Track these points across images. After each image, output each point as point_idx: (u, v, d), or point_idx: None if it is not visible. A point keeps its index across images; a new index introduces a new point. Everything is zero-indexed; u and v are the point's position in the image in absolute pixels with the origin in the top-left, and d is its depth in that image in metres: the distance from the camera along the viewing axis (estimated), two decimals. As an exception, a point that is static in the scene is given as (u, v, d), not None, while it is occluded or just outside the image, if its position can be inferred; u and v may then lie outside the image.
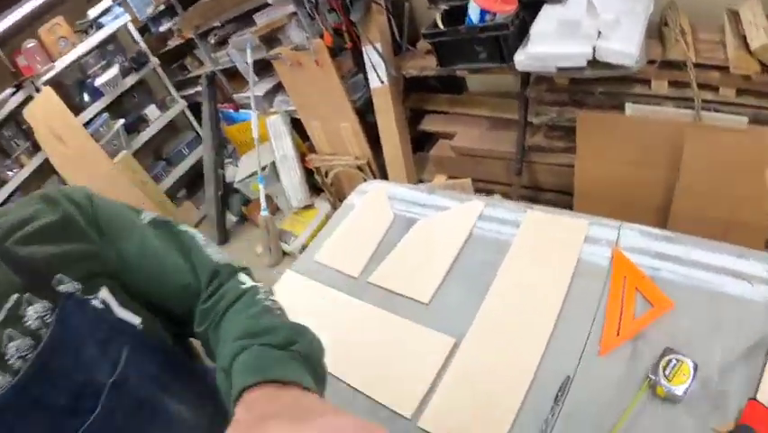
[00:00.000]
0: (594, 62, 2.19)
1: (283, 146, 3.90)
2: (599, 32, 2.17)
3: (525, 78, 2.67)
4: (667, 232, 1.64)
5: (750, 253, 1.49)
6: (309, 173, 3.98)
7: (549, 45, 2.28)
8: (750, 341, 1.28)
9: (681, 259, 1.53)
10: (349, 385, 1.56)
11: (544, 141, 2.81)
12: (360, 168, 3.70)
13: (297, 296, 1.88)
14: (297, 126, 3.90)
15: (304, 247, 3.71)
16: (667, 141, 2.26)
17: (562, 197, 2.94)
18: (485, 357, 1.51)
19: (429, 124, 3.54)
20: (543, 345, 1.45)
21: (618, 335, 1.36)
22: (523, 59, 2.36)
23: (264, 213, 3.83)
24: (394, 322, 1.70)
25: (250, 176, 3.98)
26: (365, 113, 3.53)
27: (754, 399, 1.11)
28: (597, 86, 2.43)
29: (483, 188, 3.20)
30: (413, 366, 1.57)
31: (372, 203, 2.18)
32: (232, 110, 4.33)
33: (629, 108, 2.38)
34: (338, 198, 4.06)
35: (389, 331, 1.69)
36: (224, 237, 4.39)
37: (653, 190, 2.44)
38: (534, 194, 3.06)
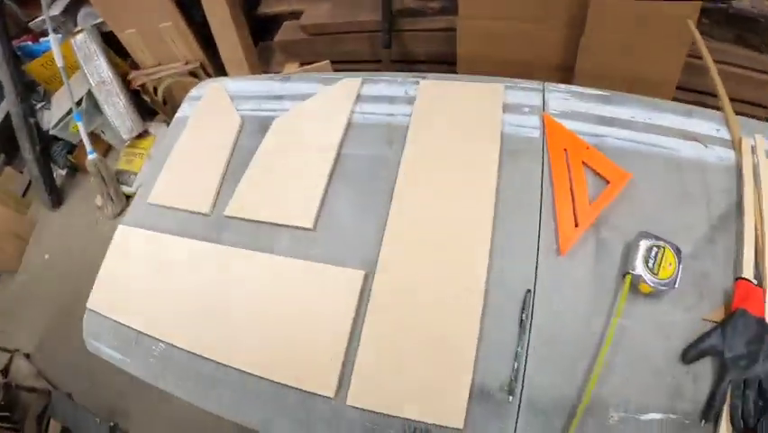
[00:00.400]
0: None
1: (97, 70, 3.20)
2: None
3: None
4: (600, 91, 1.43)
5: (695, 110, 1.33)
6: (137, 96, 3.36)
7: None
8: (719, 208, 1.14)
9: (625, 122, 1.34)
10: (239, 370, 1.24)
11: (414, 2, 2.48)
12: (193, 73, 3.14)
13: (138, 259, 1.53)
14: (111, 43, 3.28)
15: None
16: None
17: (441, 67, 2.62)
18: (412, 288, 1.21)
19: (268, 6, 3.04)
20: (485, 255, 1.20)
21: (577, 226, 1.16)
22: None
23: (91, 156, 3.18)
24: (275, 265, 1.38)
25: (65, 116, 3.30)
26: (189, 7, 2.95)
27: (742, 277, 0.98)
28: None
29: (345, 69, 2.73)
30: (318, 323, 1.24)
31: (210, 108, 1.82)
32: (30, 42, 3.59)
33: None
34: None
35: (272, 280, 1.36)
36: (56, 198, 3.64)
37: (552, 50, 2.20)
38: (408, 68, 2.67)
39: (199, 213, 1.52)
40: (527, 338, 1.04)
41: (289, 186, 1.46)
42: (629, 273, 1.03)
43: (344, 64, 2.76)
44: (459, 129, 1.41)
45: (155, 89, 3.25)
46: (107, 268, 1.52)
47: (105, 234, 3.14)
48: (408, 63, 2.70)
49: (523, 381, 1.01)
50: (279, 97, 1.72)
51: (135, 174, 3.29)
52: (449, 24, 2.39)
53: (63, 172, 3.68)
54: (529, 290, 1.10)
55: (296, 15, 2.89)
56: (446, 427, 1.01)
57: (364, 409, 1.07)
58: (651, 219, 1.13)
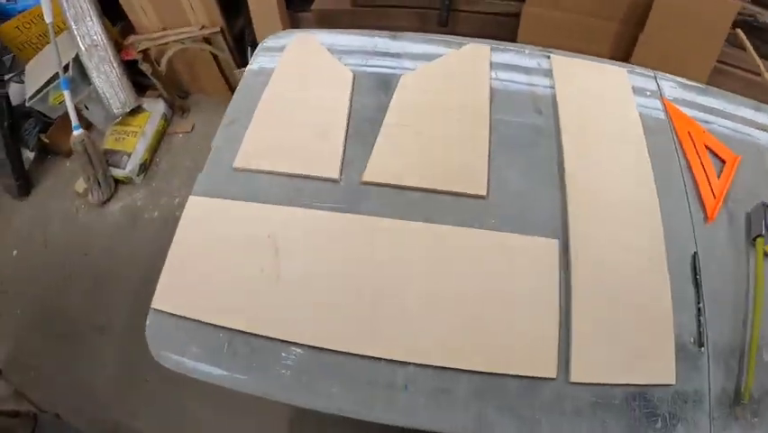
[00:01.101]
0: None
1: (89, 31, 2.79)
2: None
3: None
4: (700, 84, 1.62)
5: (762, 106, 1.58)
6: (129, 67, 2.98)
7: None
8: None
9: (720, 111, 1.54)
10: (427, 366, 1.11)
11: None
12: (208, 40, 2.83)
13: (228, 239, 1.30)
14: (106, 4, 2.87)
15: (143, 168, 2.96)
16: None
17: None
18: (604, 257, 1.22)
19: None
20: (659, 222, 1.28)
21: (715, 197, 1.34)
22: None
23: (77, 131, 2.76)
24: (445, 236, 1.25)
25: (45, 85, 2.83)
26: None
27: None
28: None
29: None
30: (517, 299, 1.16)
31: (304, 60, 1.68)
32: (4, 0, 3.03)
33: None
34: (177, 92, 3.22)
35: (444, 254, 1.23)
36: (24, 185, 3.09)
37: (607, 43, 2.36)
38: None
39: (322, 178, 1.35)
40: (701, 294, 1.17)
41: (446, 150, 1.38)
42: (760, 236, 1.22)
43: None
44: (601, 105, 1.50)
45: (157, 59, 2.93)
46: (179, 254, 1.27)
47: (91, 224, 2.95)
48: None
49: (706, 333, 1.13)
50: (396, 55, 1.67)
51: (128, 154, 2.91)
52: (506, 9, 2.46)
53: (32, 155, 3.18)
54: (696, 253, 1.23)
55: None
56: (663, 385, 1.08)
57: (588, 384, 1.07)
58: (763, 192, 1.32)
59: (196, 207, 1.33)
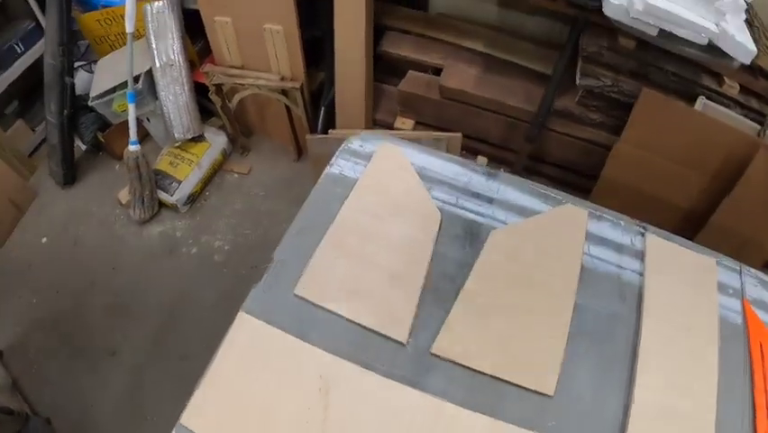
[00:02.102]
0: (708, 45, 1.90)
1: (167, 48, 2.78)
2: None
3: (578, 23, 2.24)
4: None
5: None
6: (199, 91, 2.97)
7: (673, 3, 1.89)
8: None
9: None
10: None
11: (576, 108, 2.42)
12: (285, 93, 2.81)
13: (271, 374, 1.26)
14: (191, 21, 2.87)
15: (191, 198, 2.97)
16: (728, 149, 2.15)
17: (566, 174, 2.70)
18: None
19: (392, 46, 2.76)
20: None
21: None
22: (625, 4, 1.92)
23: (134, 146, 2.79)
24: None
25: (112, 90, 2.84)
26: (308, 14, 2.64)
27: None
28: (669, 63, 2.17)
29: (468, 145, 2.65)
30: None
31: (390, 180, 1.65)
32: (89, -11, 2.99)
33: (701, 103, 2.18)
34: (241, 129, 3.20)
35: None
36: (70, 175, 3.11)
37: (690, 196, 2.34)
38: (534, 165, 2.70)
39: (388, 338, 1.31)
40: None
41: (523, 333, 1.35)
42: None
43: (468, 140, 2.63)
44: (684, 305, 1.45)
45: (227, 94, 2.93)
46: (219, 373, 1.25)
47: (126, 238, 3.01)
48: (536, 160, 2.68)
49: None
50: (489, 200, 1.63)
51: (178, 181, 2.91)
52: (597, 139, 2.46)
53: (84, 148, 3.21)
54: None
55: (421, 67, 2.72)
56: None
57: None
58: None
59: (245, 327, 1.30)
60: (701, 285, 1.50)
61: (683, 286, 1.48)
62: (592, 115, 2.40)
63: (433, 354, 1.29)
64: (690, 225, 2.33)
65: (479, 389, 1.24)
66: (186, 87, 2.86)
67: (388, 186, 1.60)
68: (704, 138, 2.13)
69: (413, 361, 1.28)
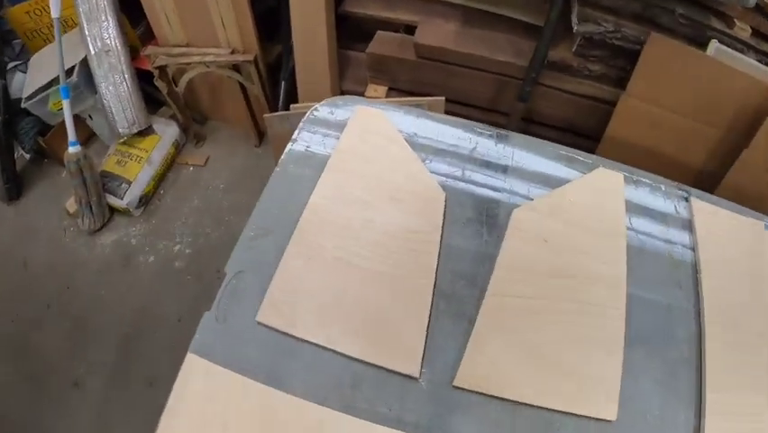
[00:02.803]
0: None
1: (102, 32, 2.49)
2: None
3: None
4: None
5: None
6: (144, 78, 2.70)
7: None
8: None
9: None
10: None
11: (573, 59, 2.17)
12: (238, 69, 2.54)
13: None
14: (126, 2, 2.59)
15: (143, 199, 2.70)
16: (744, 98, 1.94)
17: (564, 136, 2.42)
18: None
19: (356, 4, 2.46)
20: None
21: None
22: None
23: (73, 147, 2.49)
24: None
25: (46, 87, 2.56)
26: None
27: None
28: (676, 4, 1.95)
29: (451, 110, 2.35)
30: None
31: (375, 153, 1.34)
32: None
33: (713, 48, 1.96)
34: (193, 116, 2.93)
35: None
36: (14, 189, 2.82)
37: (703, 152, 2.14)
38: (527, 127, 2.43)
39: (393, 372, 1.02)
40: None
41: (569, 346, 1.09)
42: None
43: (452, 104, 2.37)
44: (744, 286, 1.23)
45: (174, 78, 2.63)
46: None
47: (78, 251, 2.67)
48: (531, 123, 2.43)
49: None
50: (503, 169, 1.35)
51: (128, 182, 2.63)
52: (598, 94, 2.23)
53: (27, 156, 2.92)
54: None
55: (392, 26, 2.44)
56: None
57: None
58: None
59: (197, 374, 0.98)
60: (757, 259, 1.30)
61: (739, 264, 1.28)
62: (592, 66, 2.17)
63: (456, 388, 1.01)
64: (702, 185, 2.09)
65: (522, 426, 0.98)
66: (126, 76, 2.57)
67: (370, 161, 1.30)
68: (718, 88, 1.95)
69: (430, 400, 1.00)
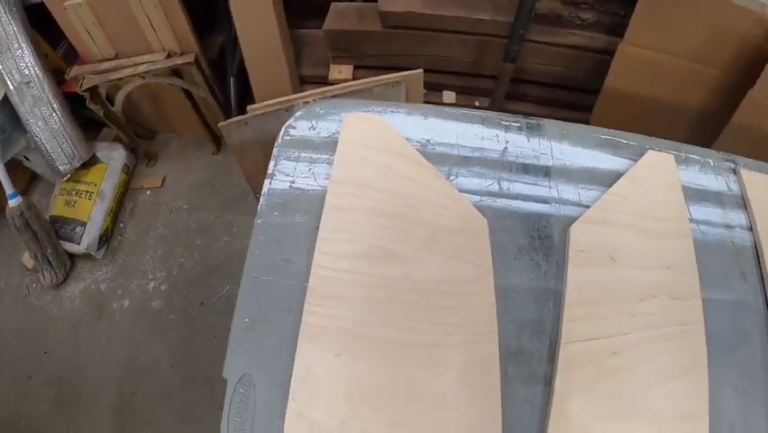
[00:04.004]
0: None
1: (18, 64, 2.24)
2: None
3: None
4: None
5: None
6: (77, 101, 2.45)
7: None
8: None
9: None
10: None
11: (562, 8, 2.07)
12: (177, 72, 2.32)
13: None
14: (38, 23, 2.33)
15: (103, 239, 2.51)
16: (747, 36, 1.87)
17: (555, 92, 2.34)
18: None
19: None
20: None
21: None
22: None
23: (13, 201, 2.28)
24: None
25: None
26: None
27: None
28: None
29: (428, 81, 2.14)
30: None
31: (386, 180, 1.03)
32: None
33: None
34: (139, 133, 2.72)
35: None
36: None
37: (708, 95, 2.08)
38: (516, 88, 2.29)
39: None
40: None
41: (657, 381, 0.92)
42: None
43: (429, 74, 2.15)
44: None
45: (108, 96, 2.40)
46: None
47: (47, 310, 2.50)
48: (519, 82, 2.30)
49: None
50: (544, 172, 1.11)
51: (82, 224, 2.43)
52: (592, 44, 2.13)
53: None
54: None
55: None
56: None
57: None
58: None
59: None
60: None
61: None
62: (583, 14, 2.09)
63: None
64: (707, 129, 2.10)
65: None
66: (55, 106, 2.34)
67: (381, 190, 1.02)
68: (720, 26, 1.89)
69: None
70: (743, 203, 1.18)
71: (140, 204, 2.66)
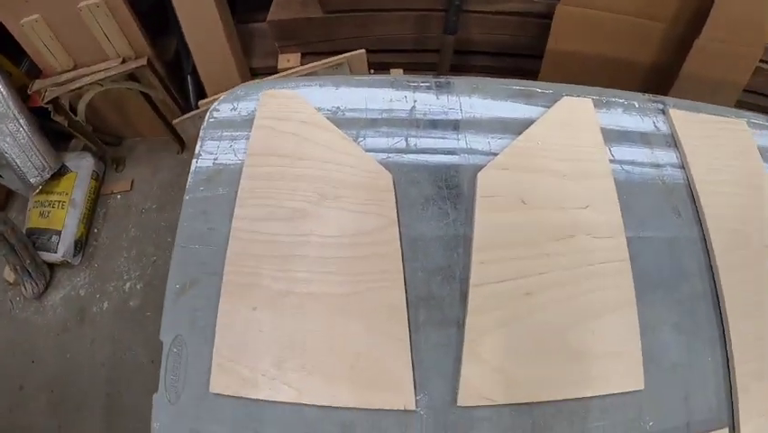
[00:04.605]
0: None
1: None
2: None
3: None
4: None
5: None
6: (43, 115, 2.52)
7: None
8: None
9: None
10: None
11: None
12: (134, 76, 2.39)
13: None
14: (2, 41, 2.40)
15: (79, 245, 2.58)
16: None
17: (502, 60, 2.35)
18: None
19: None
20: None
21: None
22: None
23: None
24: None
25: None
26: None
27: None
28: None
29: (374, 62, 2.26)
30: None
31: (296, 147, 1.11)
32: None
33: None
34: (106, 140, 2.79)
35: None
36: None
37: (655, 49, 2.11)
38: (461, 60, 2.32)
39: (383, 410, 0.89)
40: None
41: (580, 319, 0.97)
42: None
43: (374, 54, 2.25)
44: (744, 195, 1.15)
45: (71, 106, 2.48)
46: None
47: (32, 321, 2.55)
48: (464, 54, 2.33)
49: None
50: (453, 126, 1.16)
51: (57, 233, 2.52)
52: (528, 8, 2.14)
53: None
54: None
55: None
56: None
57: None
58: None
59: None
60: (748, 161, 1.22)
61: (732, 171, 1.20)
62: None
63: (462, 408, 0.90)
64: (661, 83, 2.15)
65: (545, 426, 0.89)
66: (21, 121, 2.42)
67: (292, 156, 1.10)
68: None
69: (436, 429, 0.89)
70: (673, 142, 1.22)
71: (111, 208, 2.74)
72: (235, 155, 1.14)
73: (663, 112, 1.28)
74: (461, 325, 0.95)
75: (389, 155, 1.13)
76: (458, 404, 0.90)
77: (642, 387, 0.94)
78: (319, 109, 1.19)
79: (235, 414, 0.90)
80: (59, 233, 2.51)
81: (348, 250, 1.01)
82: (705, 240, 1.10)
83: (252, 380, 0.91)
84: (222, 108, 1.22)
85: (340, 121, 1.17)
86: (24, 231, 2.55)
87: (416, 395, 0.90)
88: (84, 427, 2.24)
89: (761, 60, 2.08)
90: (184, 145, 2.82)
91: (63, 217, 2.55)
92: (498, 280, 0.98)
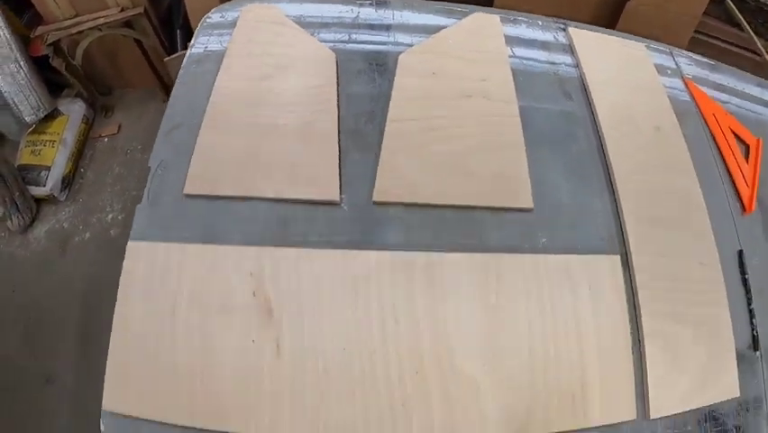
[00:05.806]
0: None
1: None
2: None
3: None
4: (709, 60, 1.68)
5: (764, 82, 1.64)
6: (41, 65, 2.80)
7: None
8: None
9: (734, 90, 1.59)
10: None
11: None
12: (129, 24, 2.67)
13: (193, 301, 1.02)
14: None
15: (66, 182, 2.83)
16: None
17: None
18: (666, 266, 1.15)
19: None
20: (707, 221, 1.24)
21: (748, 185, 1.38)
22: None
23: None
24: (494, 270, 1.08)
25: None
26: None
27: None
28: None
29: None
30: (582, 338, 1.05)
31: (265, 38, 1.44)
32: None
33: None
34: (98, 89, 3.06)
35: (496, 299, 1.06)
36: None
37: (588, 8, 2.24)
38: None
39: (316, 201, 1.16)
40: (751, 295, 1.18)
41: (475, 150, 1.26)
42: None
43: None
44: (630, 88, 1.44)
45: (69, 50, 2.76)
46: (124, 334, 1.05)
47: (15, 254, 2.84)
48: None
49: (759, 335, 1.15)
50: (386, 27, 1.52)
51: (47, 168, 2.80)
52: None
53: None
54: (741, 251, 1.23)
55: None
56: (728, 399, 1.10)
57: (664, 417, 1.05)
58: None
59: (138, 257, 1.10)
60: (641, 69, 1.54)
61: (623, 73, 1.51)
62: None
63: (377, 203, 1.18)
64: (605, 19, 2.29)
65: (446, 226, 1.16)
66: (21, 63, 2.70)
67: (265, 43, 1.46)
68: None
69: (355, 219, 1.16)
70: (570, 50, 1.54)
71: (98, 150, 3.01)
72: (221, 45, 1.48)
73: (565, 30, 1.59)
74: (378, 150, 1.23)
75: (335, 44, 1.47)
76: (373, 200, 1.16)
77: (531, 206, 1.18)
78: (287, 15, 1.53)
79: (200, 209, 1.13)
80: (48, 168, 2.77)
81: (300, 98, 1.31)
82: (593, 116, 1.38)
83: (216, 182, 1.15)
84: (213, 16, 1.59)
85: (302, 23, 1.51)
86: (17, 167, 2.80)
87: (341, 193, 1.16)
88: (60, 351, 2.35)
89: (698, 32, 2.30)
90: (169, 93, 2.98)
91: (53, 155, 2.82)
92: (409, 118, 1.29)
